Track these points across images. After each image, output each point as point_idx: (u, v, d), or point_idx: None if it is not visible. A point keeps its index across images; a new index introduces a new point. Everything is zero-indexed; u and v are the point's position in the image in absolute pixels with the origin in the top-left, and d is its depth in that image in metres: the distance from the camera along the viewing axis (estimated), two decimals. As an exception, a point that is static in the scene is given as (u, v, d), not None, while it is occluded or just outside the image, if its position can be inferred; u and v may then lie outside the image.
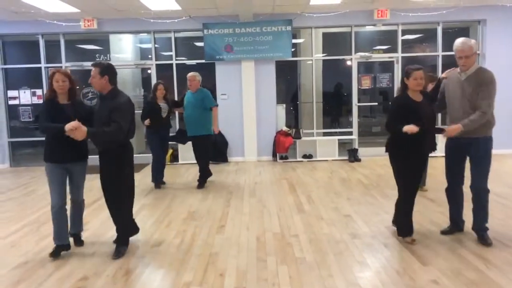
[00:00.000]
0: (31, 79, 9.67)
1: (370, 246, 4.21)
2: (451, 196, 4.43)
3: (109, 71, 4.05)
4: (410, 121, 3.96)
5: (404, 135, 3.92)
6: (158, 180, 7.09)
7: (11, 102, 9.67)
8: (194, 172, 8.29)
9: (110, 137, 3.91)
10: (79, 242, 4.48)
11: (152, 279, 3.64)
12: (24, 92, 9.65)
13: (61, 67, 9.55)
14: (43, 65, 9.55)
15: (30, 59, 9.71)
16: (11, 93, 9.68)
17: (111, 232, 4.85)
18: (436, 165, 7.80)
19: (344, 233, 4.62)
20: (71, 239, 4.38)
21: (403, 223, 4.33)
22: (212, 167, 8.45)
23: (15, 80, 9.79)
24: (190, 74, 6.93)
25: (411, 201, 4.25)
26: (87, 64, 9.50)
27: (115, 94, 4.06)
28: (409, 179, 4.18)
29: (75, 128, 3.74)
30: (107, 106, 3.98)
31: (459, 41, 4.08)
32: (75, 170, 4.20)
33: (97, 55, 9.95)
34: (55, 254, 4.13)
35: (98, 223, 5.23)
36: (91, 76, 4.05)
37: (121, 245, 4.23)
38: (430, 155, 4.47)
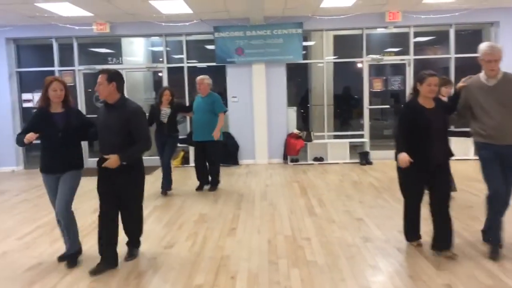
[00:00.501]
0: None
1: (382, 250, 4.17)
2: (496, 204, 3.95)
3: (116, 77, 3.85)
4: (417, 128, 3.89)
5: (410, 144, 3.88)
6: (162, 186, 6.90)
7: (25, 104, 9.80)
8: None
9: (140, 152, 3.96)
10: (71, 262, 4.05)
11: (164, 281, 3.65)
12: (38, 95, 9.76)
13: (73, 70, 9.66)
14: (56, 68, 9.66)
15: (44, 62, 9.83)
16: (25, 96, 9.82)
17: (121, 234, 4.90)
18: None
19: (356, 236, 4.59)
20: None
21: (405, 227, 4.28)
22: (223, 170, 8.44)
23: (29, 83, 9.92)
24: (198, 77, 6.85)
25: (411, 207, 4.15)
26: (100, 67, 9.60)
27: (123, 102, 3.89)
28: (409, 187, 4.10)
29: (29, 142, 3.78)
30: (118, 115, 3.81)
31: (486, 45, 3.88)
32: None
33: (109, 58, 10.03)
34: (62, 259, 4.13)
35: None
36: (98, 83, 3.83)
37: (135, 247, 4.25)
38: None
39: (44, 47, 9.86)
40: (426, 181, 4.05)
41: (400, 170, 4.08)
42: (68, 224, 4.01)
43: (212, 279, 3.64)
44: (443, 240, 3.98)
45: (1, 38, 9.48)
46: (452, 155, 4.09)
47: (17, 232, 5.15)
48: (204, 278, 3.68)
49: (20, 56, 9.91)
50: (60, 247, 4.39)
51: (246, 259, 4.06)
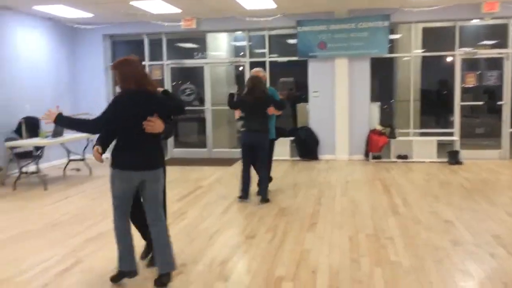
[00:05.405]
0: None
1: (474, 255, 3.92)
2: None
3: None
4: None
5: None
6: (241, 190, 6.05)
7: (118, 97, 10.47)
8: (284, 168, 8.37)
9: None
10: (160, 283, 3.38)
11: (246, 271, 3.72)
12: (130, 88, 10.41)
13: (162, 64, 10.15)
14: (147, 62, 10.20)
15: (136, 57, 10.43)
16: (118, 89, 10.47)
17: (209, 220, 5.09)
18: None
19: (444, 239, 4.35)
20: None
21: None
22: (302, 164, 8.43)
23: (123, 77, 10.58)
24: (253, 69, 6.38)
25: None
26: (186, 62, 10.04)
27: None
28: None
29: None
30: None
31: None
32: (146, 180, 3.43)
33: (194, 53, 10.41)
34: (115, 279, 3.48)
35: (196, 213, 5.48)
36: None
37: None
38: None
39: (136, 42, 10.46)
40: None
41: None
42: (163, 234, 3.48)
43: (293, 272, 3.65)
44: None
45: (99, 35, 10.18)
46: None
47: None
48: (285, 270, 3.69)
49: (115, 52, 10.61)
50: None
51: (327, 255, 4.01)
